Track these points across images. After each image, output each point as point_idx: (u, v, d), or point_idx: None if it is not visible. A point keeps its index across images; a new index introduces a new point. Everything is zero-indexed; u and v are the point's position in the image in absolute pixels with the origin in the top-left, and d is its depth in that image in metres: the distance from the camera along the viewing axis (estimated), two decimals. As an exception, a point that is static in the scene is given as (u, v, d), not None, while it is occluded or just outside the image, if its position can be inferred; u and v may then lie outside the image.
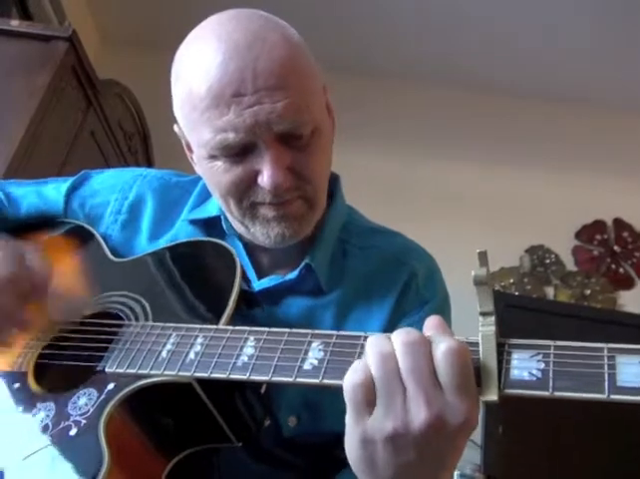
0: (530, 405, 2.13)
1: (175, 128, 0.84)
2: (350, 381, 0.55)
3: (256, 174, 0.75)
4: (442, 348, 0.54)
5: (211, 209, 0.89)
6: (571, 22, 2.75)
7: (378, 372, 0.55)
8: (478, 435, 2.29)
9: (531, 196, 2.97)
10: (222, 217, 0.87)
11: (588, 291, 2.84)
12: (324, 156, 0.80)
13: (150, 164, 2.57)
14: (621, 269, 2.92)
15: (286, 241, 0.80)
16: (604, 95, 3.04)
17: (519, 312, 2.41)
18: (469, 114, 3.10)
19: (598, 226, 2.97)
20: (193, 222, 0.90)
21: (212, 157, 0.76)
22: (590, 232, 2.96)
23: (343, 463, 0.68)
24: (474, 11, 2.78)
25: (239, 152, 0.74)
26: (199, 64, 0.74)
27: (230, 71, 0.71)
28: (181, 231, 0.90)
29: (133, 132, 2.41)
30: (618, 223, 2.98)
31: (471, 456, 2.33)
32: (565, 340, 0.55)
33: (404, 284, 0.85)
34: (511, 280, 2.84)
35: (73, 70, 1.87)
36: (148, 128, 2.52)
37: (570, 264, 2.92)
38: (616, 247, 2.95)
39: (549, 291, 2.87)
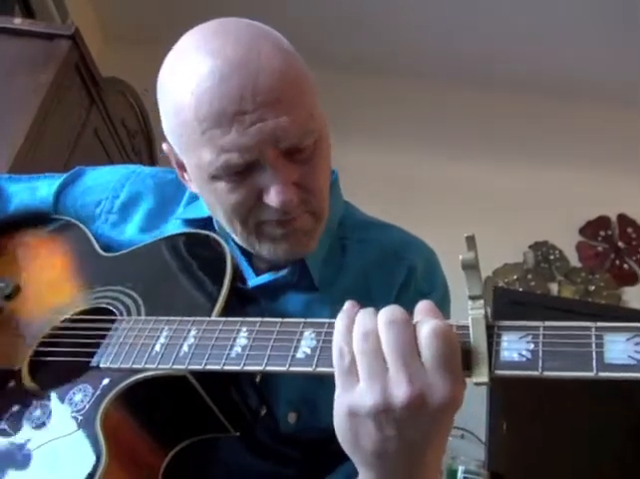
0: (534, 402, 2.13)
1: (164, 147, 0.82)
2: (335, 349, 0.57)
3: (261, 191, 0.73)
4: (425, 329, 0.55)
5: (205, 208, 0.87)
6: (574, 19, 2.74)
7: (359, 349, 0.56)
8: (482, 432, 2.30)
9: (535, 192, 2.96)
10: (214, 219, 0.86)
11: (592, 288, 2.83)
12: (326, 165, 0.79)
13: (153, 161, 2.58)
14: (625, 266, 2.91)
15: (294, 257, 0.79)
16: (608, 90, 3.03)
17: (523, 309, 2.41)
18: (471, 111, 3.10)
19: (602, 221, 2.96)
20: (188, 221, 0.88)
21: (214, 177, 0.73)
22: (594, 227, 2.95)
23: (342, 458, 0.69)
24: (478, 9, 2.78)
25: (243, 170, 0.72)
26: (194, 84, 0.71)
27: (230, 89, 0.69)
28: (174, 229, 0.88)
29: (136, 129, 2.41)
30: (622, 218, 2.97)
31: (475, 453, 2.33)
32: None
33: (404, 279, 0.85)
34: (515, 277, 2.84)
35: (76, 68, 1.86)
36: (151, 125, 2.52)
37: (574, 261, 2.92)
38: (620, 244, 2.94)
39: (553, 288, 2.87)
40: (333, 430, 0.60)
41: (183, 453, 0.72)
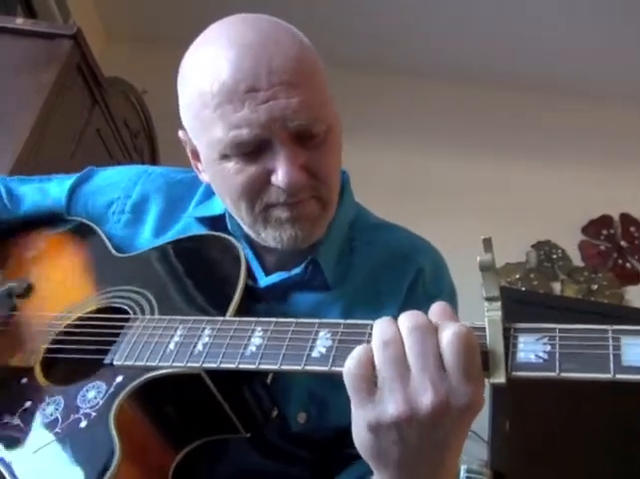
0: (537, 401, 2.13)
1: (180, 134, 0.83)
2: (346, 368, 0.56)
3: (270, 173, 0.74)
4: (448, 333, 0.54)
5: (217, 206, 0.88)
6: (574, 18, 2.75)
7: (380, 357, 0.55)
8: (484, 431, 2.29)
9: (538, 191, 2.96)
10: (227, 215, 0.86)
11: (595, 287, 2.83)
12: (336, 157, 0.80)
13: (155, 161, 2.58)
14: (628, 265, 2.91)
15: (298, 244, 0.78)
16: (610, 89, 3.03)
17: (526, 308, 2.40)
18: (472, 111, 3.10)
19: (605, 220, 2.96)
20: (200, 219, 0.89)
21: (224, 157, 0.74)
22: (597, 226, 2.95)
23: (351, 458, 0.68)
24: (478, 9, 2.78)
25: (253, 150, 0.73)
26: (211, 63, 0.73)
27: (244, 67, 0.71)
28: (187, 228, 0.89)
29: (138, 129, 2.41)
30: (625, 217, 2.97)
31: (477, 452, 2.33)
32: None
33: (411, 281, 0.85)
34: (518, 276, 2.84)
35: (78, 68, 1.87)
36: (153, 125, 2.53)
37: (577, 260, 2.91)
38: (623, 243, 2.94)
39: (556, 287, 2.86)
40: (342, 430, 0.59)
41: (193, 452, 0.72)
